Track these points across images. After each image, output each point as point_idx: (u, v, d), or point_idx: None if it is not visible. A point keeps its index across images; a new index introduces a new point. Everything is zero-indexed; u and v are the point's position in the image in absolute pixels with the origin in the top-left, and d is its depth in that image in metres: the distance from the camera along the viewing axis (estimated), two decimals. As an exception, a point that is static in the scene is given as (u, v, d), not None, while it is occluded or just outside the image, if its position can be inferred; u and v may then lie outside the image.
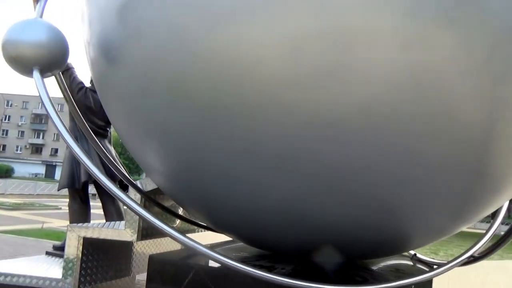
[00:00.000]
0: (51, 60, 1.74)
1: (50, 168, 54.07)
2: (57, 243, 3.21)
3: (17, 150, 55.22)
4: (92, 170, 1.73)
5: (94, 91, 3.34)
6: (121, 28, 1.55)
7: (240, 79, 1.28)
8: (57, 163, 54.07)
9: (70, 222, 3.16)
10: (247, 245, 2.35)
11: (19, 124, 55.52)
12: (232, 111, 1.37)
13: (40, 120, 55.98)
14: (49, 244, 5.86)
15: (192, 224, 2.80)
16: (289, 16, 1.13)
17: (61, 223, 9.77)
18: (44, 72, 1.71)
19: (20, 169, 49.78)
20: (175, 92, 1.47)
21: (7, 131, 54.62)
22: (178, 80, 1.43)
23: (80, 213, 3.14)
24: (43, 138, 55.68)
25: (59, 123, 1.66)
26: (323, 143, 1.28)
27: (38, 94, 1.66)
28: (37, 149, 55.66)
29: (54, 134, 55.38)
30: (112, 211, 3.13)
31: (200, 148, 1.54)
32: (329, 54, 1.13)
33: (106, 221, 3.15)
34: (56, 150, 55.39)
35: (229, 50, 1.27)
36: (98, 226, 2.58)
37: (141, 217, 1.90)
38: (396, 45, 1.09)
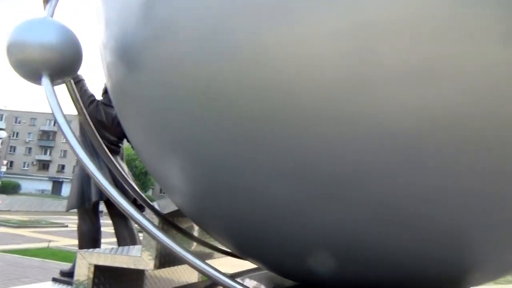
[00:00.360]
0: (63, 65, 1.52)
1: (57, 185, 54.03)
2: (65, 268, 2.95)
3: (24, 166, 55.33)
4: (106, 189, 1.49)
5: (106, 105, 3.13)
6: (145, 28, 1.34)
7: (293, 85, 1.03)
8: (63, 180, 54.09)
9: (79, 245, 2.91)
10: (274, 274, 2.09)
11: (27, 140, 55.77)
12: (279, 123, 1.12)
13: (47, 136, 56.25)
14: (54, 266, 5.61)
15: (211, 249, 2.55)
16: (360, 3, 0.89)
17: (68, 242, 9.51)
18: (55, 78, 1.49)
19: (27, 185, 49.81)
20: (210, 100, 1.23)
21: (14, 147, 54.85)
22: (214, 86, 1.19)
23: (90, 235, 2.89)
24: (50, 154, 55.81)
25: (71, 135, 1.42)
26: (393, 164, 1.02)
27: (48, 104, 1.43)
28: (44, 165, 55.75)
29: (61, 150, 55.57)
30: (125, 235, 2.88)
31: (235, 166, 1.30)
32: (413, 48, 0.89)
33: (119, 245, 2.90)
34: (63, 167, 55.46)
35: (281, 50, 1.03)
36: (111, 252, 2.33)
37: (160, 243, 1.66)
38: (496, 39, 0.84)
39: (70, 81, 1.91)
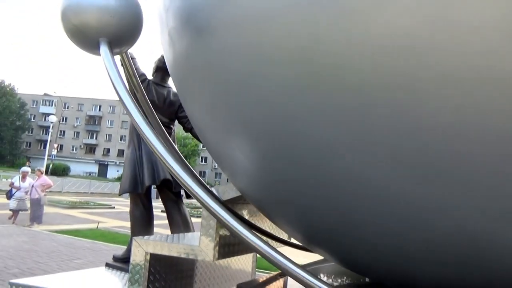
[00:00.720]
0: (123, 31, 1.34)
1: (103, 167, 56.44)
2: (117, 253, 2.87)
3: (72, 150, 58.11)
4: (174, 169, 1.33)
5: (157, 84, 2.98)
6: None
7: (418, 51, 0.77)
8: (109, 162, 56.39)
9: (132, 230, 2.81)
10: (345, 269, 1.86)
11: (75, 125, 58.41)
12: (390, 96, 0.87)
13: (93, 121, 58.62)
14: (104, 247, 5.71)
15: (270, 238, 2.35)
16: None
17: (115, 223, 9.77)
18: (113, 46, 1.31)
19: (75, 168, 52.39)
20: (306, 67, 0.98)
21: (64, 132, 57.63)
22: (315, 50, 0.94)
23: (142, 221, 2.78)
24: (96, 138, 58.21)
25: (134, 109, 1.24)
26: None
27: (107, 75, 1.26)
28: (90, 149, 58.28)
29: (106, 134, 57.78)
30: (179, 221, 2.74)
31: (323, 147, 1.06)
32: None
33: (172, 232, 2.78)
34: (108, 150, 57.73)
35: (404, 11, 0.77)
36: (168, 241, 2.18)
37: (232, 232, 1.47)
38: None
39: (126, 52, 1.74)
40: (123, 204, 16.01)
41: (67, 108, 58.29)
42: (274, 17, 0.94)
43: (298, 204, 1.37)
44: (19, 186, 8.01)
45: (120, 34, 1.34)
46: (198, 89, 1.47)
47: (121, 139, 57.23)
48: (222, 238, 2.09)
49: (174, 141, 3.03)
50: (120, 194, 2.76)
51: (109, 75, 1.31)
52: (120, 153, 56.52)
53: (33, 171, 9.18)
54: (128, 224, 8.98)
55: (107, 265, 2.72)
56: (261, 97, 1.12)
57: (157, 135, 1.33)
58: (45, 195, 8.08)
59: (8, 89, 54.37)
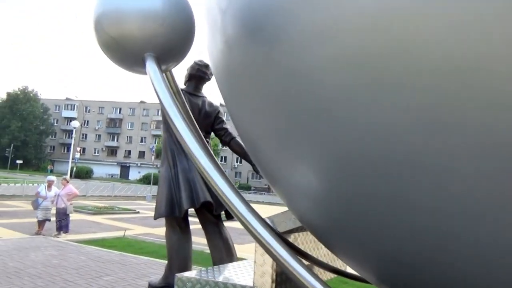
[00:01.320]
0: (173, 43, 1.06)
1: (124, 169, 57.12)
2: (153, 281, 2.61)
3: (95, 152, 58.99)
4: (227, 196, 1.09)
5: (191, 94, 2.71)
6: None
7: None
8: (130, 164, 57.04)
9: (169, 255, 2.56)
10: None
11: (96, 128, 59.28)
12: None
13: (114, 124, 59.34)
14: (134, 261, 5.50)
15: (334, 272, 2.04)
16: None
17: (142, 230, 9.64)
18: (161, 62, 1.02)
19: (98, 170, 53.17)
20: (390, 77, 0.73)
21: (86, 135, 58.58)
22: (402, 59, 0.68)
23: (180, 245, 2.52)
24: (117, 140, 58.93)
25: (185, 129, 0.96)
26: None
27: (156, 95, 0.97)
28: (112, 151, 59.04)
29: (127, 137, 58.45)
30: (220, 246, 2.47)
31: (408, 165, 0.82)
32: None
33: (212, 256, 2.50)
34: (129, 152, 58.38)
35: None
36: (215, 277, 1.90)
37: (288, 272, 1.23)
38: None
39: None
40: (147, 208, 15.96)
41: (88, 112, 59.27)
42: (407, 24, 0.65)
43: (378, 240, 1.09)
44: (45, 196, 7.93)
45: (170, 47, 1.06)
46: (261, 105, 1.18)
47: (141, 141, 57.78)
48: (279, 275, 1.81)
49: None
50: (155, 218, 2.50)
51: (159, 97, 1.02)
52: (141, 154, 57.10)
53: (58, 175, 9.11)
54: (154, 230, 8.80)
55: (144, 296, 2.47)
56: (365, 119, 0.83)
57: (206, 152, 1.07)
58: (71, 204, 7.97)
59: (31, 95, 55.61)
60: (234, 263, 2.16)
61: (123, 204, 16.63)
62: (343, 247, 1.45)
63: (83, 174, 44.96)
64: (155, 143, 51.08)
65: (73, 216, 8.15)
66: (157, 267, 5.11)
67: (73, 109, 60.32)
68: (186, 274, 1.98)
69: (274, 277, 1.79)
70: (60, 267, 4.77)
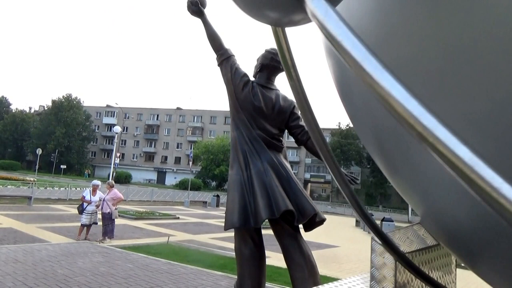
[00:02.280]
0: None
1: (161, 174, 58.08)
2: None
3: (133, 158, 60.42)
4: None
5: (263, 86, 2.37)
6: None
7: None
8: (166, 170, 57.94)
9: (240, 272, 2.21)
10: None
11: (135, 134, 60.75)
12: None
13: (152, 130, 60.62)
14: (182, 270, 5.23)
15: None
16: None
17: (184, 236, 9.44)
18: None
19: (136, 175, 54.36)
20: None
21: (125, 141, 60.12)
22: None
23: (253, 261, 2.17)
24: (154, 146, 60.10)
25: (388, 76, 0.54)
26: None
27: (327, 40, 0.57)
28: (149, 157, 60.24)
29: (164, 143, 59.51)
30: (302, 263, 2.10)
31: None
32: None
33: (292, 275, 2.13)
34: (166, 158, 59.36)
35: None
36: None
37: None
38: None
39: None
40: (186, 214, 15.88)
41: (128, 118, 60.86)
42: None
43: None
44: (90, 200, 7.88)
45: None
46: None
47: (177, 147, 58.60)
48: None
49: (286, 158, 2.39)
50: (226, 229, 2.17)
51: (335, 40, 0.62)
52: (177, 160, 57.90)
53: (102, 180, 9.06)
54: (196, 237, 8.53)
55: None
56: None
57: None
58: (116, 209, 7.87)
59: (75, 102, 57.84)
60: (342, 281, 1.75)
61: (162, 209, 16.63)
62: (489, 271, 1.05)
63: (122, 179, 46.05)
64: (191, 149, 51.61)
65: (116, 221, 8.03)
66: (207, 278, 4.81)
67: (113, 116, 62.17)
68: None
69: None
70: (109, 276, 4.56)
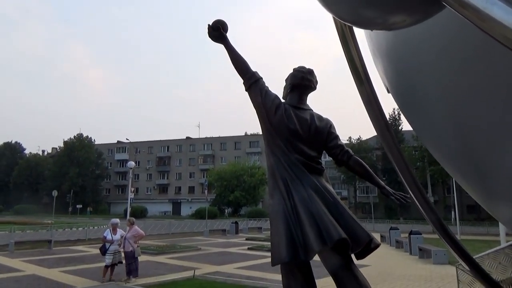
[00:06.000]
0: None
1: (176, 205, 57.79)
2: None
3: (147, 191, 60.35)
4: None
5: (296, 108, 2.23)
6: None
7: None
8: (181, 200, 57.66)
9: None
10: None
11: (147, 167, 60.91)
12: None
13: (163, 162, 60.76)
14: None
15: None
16: None
17: (208, 269, 9.16)
18: None
19: (151, 208, 54.15)
20: None
21: (138, 175, 60.22)
22: None
23: (303, 298, 1.97)
24: (167, 178, 60.04)
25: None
26: None
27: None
28: (163, 189, 60.12)
29: (176, 173, 59.48)
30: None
31: None
32: None
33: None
34: (180, 188, 59.20)
35: None
36: None
37: None
38: None
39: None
40: (207, 244, 15.57)
41: (139, 152, 61.23)
42: None
43: None
44: (112, 239, 7.72)
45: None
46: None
47: (190, 176, 58.50)
48: None
49: (328, 181, 2.23)
50: (273, 264, 1.99)
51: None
52: (191, 189, 57.64)
53: (119, 217, 8.91)
54: (221, 268, 8.28)
55: None
56: None
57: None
58: (138, 246, 7.69)
59: (86, 141, 58.55)
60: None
61: (182, 241, 16.37)
62: None
63: (138, 213, 45.83)
64: (204, 177, 51.39)
65: (139, 258, 7.83)
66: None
67: (125, 151, 62.63)
68: None
69: None
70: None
